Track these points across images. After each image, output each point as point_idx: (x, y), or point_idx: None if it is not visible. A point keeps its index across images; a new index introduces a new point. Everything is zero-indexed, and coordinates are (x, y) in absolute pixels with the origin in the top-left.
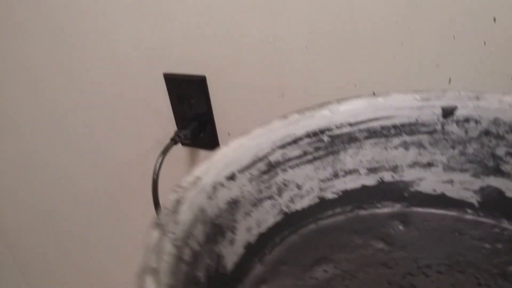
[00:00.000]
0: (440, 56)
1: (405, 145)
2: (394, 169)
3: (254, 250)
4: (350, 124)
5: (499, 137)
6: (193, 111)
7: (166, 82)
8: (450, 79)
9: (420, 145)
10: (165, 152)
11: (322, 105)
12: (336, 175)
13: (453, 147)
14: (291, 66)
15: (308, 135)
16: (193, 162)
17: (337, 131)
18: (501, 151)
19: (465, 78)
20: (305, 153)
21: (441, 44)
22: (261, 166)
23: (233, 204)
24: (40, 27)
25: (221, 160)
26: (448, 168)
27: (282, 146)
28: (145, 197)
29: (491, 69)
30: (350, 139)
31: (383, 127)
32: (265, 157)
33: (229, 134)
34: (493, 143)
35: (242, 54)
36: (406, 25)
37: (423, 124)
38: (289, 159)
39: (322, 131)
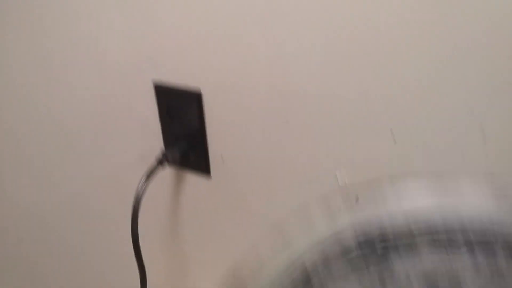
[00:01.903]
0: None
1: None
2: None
3: None
4: None
5: None
6: (184, 128)
7: (156, 93)
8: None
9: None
10: (149, 174)
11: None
12: None
13: None
14: (300, 88)
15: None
16: (179, 186)
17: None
18: None
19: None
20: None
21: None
22: None
23: None
24: (25, 30)
25: None
26: None
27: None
28: (124, 220)
29: None
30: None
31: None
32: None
33: (222, 158)
34: None
35: (246, 69)
36: None
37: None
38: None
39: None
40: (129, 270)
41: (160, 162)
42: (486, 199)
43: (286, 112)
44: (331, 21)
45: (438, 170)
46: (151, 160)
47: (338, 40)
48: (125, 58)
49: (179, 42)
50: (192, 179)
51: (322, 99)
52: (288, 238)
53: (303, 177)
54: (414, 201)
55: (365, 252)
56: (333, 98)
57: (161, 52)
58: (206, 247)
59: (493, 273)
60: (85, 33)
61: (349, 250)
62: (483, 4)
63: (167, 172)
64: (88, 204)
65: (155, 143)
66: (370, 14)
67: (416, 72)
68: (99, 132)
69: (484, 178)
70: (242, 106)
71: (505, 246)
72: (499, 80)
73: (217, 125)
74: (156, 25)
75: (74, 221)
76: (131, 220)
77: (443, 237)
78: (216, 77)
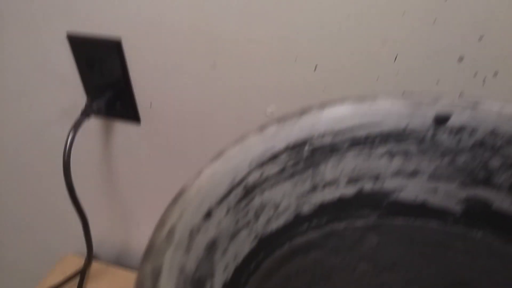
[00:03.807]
0: (388, 32)
1: (390, 154)
2: (376, 178)
3: (229, 287)
4: (333, 134)
5: (494, 148)
6: (106, 78)
7: (70, 44)
8: (396, 56)
9: (406, 154)
10: (76, 127)
11: (302, 112)
12: (314, 189)
13: (442, 157)
14: (224, 30)
15: (287, 149)
16: (108, 135)
17: (319, 142)
18: (495, 163)
19: (411, 56)
20: (284, 169)
21: (390, 19)
22: (239, 192)
23: (211, 246)
24: None
25: (195, 195)
26: (433, 177)
27: (260, 165)
28: (56, 176)
29: (439, 48)
30: (332, 150)
31: (368, 136)
32: (242, 180)
33: (151, 105)
34: (488, 154)
35: (166, 13)
36: None
37: (412, 133)
38: (267, 178)
39: (303, 143)
40: (71, 222)
41: (86, 114)
42: (400, 106)
43: (212, 55)
44: None
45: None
46: (77, 113)
47: None
48: (35, 10)
49: None
50: (122, 128)
51: (247, 41)
52: (222, 154)
53: (234, 118)
54: (335, 110)
55: (293, 153)
56: (257, 38)
57: (73, 1)
58: (144, 191)
59: (404, 159)
60: None
61: (279, 153)
62: None
63: (95, 123)
64: (18, 163)
65: (78, 96)
66: None
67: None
68: (18, 90)
69: (400, 94)
70: (166, 51)
71: (415, 139)
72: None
73: (142, 72)
74: None
75: (7, 182)
76: (63, 173)
77: (362, 136)
78: (135, 23)
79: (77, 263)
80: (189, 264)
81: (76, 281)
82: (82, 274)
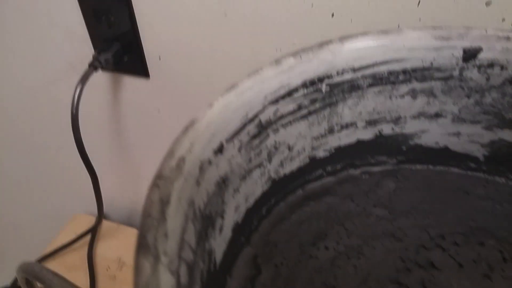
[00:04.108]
0: None
1: (413, 93)
2: (396, 120)
3: (241, 229)
4: (354, 70)
5: None
6: (113, 30)
7: None
8: (419, 0)
9: (430, 93)
10: (83, 80)
11: (321, 45)
12: (331, 131)
13: (468, 96)
14: None
15: (304, 85)
16: (116, 90)
17: (338, 79)
18: None
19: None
20: (300, 107)
21: None
22: (251, 128)
23: (222, 183)
24: None
25: (205, 128)
26: (457, 119)
27: (275, 101)
28: (64, 133)
29: None
30: (351, 88)
31: (390, 72)
32: (255, 116)
33: (160, 58)
34: None
35: None
36: None
37: (438, 69)
38: (282, 116)
39: (321, 79)
40: (82, 182)
41: (94, 67)
42: (426, 39)
43: (223, 3)
44: None
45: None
46: (85, 67)
47: None
48: None
49: None
50: (130, 81)
51: None
52: (235, 86)
53: (247, 69)
54: (357, 43)
55: (310, 90)
56: None
57: None
58: (153, 148)
59: (428, 99)
60: None
61: (295, 89)
62: None
63: (103, 78)
64: (25, 120)
65: (85, 51)
66: None
67: None
68: (24, 44)
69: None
70: (175, 1)
71: (442, 77)
72: None
73: (151, 24)
74: None
75: (15, 140)
76: (72, 128)
77: (385, 73)
78: None
79: (88, 222)
80: (199, 197)
81: (87, 239)
82: (93, 232)
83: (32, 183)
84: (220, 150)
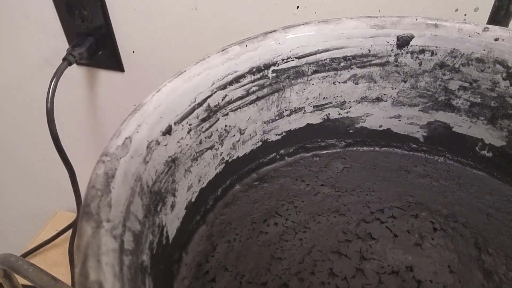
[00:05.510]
0: None
1: (355, 79)
2: (341, 105)
3: (195, 208)
4: (298, 57)
5: (454, 70)
6: (87, 24)
7: None
8: None
9: (370, 78)
10: (57, 74)
11: (266, 34)
12: (280, 115)
13: (404, 81)
14: None
15: (251, 72)
16: (92, 84)
17: (283, 66)
18: (454, 85)
19: None
20: (248, 93)
21: None
22: (200, 112)
23: (172, 163)
24: None
25: (153, 110)
26: (397, 103)
27: (223, 87)
28: (42, 129)
29: None
30: (297, 74)
31: (332, 60)
32: (204, 101)
33: (134, 52)
34: (447, 76)
35: None
36: None
37: (375, 55)
38: (231, 101)
39: (267, 66)
40: (60, 176)
41: (68, 62)
42: (363, 27)
43: None
44: None
45: None
46: (59, 62)
47: None
48: None
49: None
50: (106, 75)
51: None
52: (182, 72)
53: None
54: (299, 32)
55: (257, 77)
56: None
57: None
58: None
59: (369, 84)
60: None
61: (242, 76)
62: None
63: (79, 73)
64: (1, 117)
65: (61, 44)
66: None
67: None
68: None
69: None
70: None
71: (379, 63)
72: None
73: (123, 18)
74: None
75: None
76: (47, 122)
77: (327, 60)
78: None
79: (69, 219)
80: (146, 174)
81: (68, 236)
82: (74, 228)
83: (12, 181)
84: (168, 131)
